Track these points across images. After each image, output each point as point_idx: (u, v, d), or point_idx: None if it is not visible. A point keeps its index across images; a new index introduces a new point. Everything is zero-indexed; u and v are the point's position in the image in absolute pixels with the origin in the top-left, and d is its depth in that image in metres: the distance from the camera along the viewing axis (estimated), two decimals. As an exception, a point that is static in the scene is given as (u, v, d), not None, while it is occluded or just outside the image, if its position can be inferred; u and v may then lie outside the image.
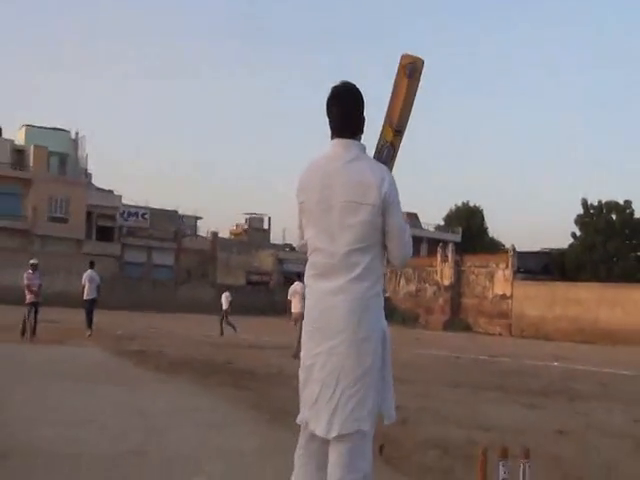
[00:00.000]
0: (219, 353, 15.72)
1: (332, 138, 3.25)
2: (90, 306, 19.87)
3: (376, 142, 3.39)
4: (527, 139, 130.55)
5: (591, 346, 34.45)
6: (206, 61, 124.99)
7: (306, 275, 3.26)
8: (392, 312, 55.06)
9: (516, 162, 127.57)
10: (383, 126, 3.36)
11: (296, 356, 15.65)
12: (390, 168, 3.36)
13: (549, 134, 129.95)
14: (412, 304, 55.44)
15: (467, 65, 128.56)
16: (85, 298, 19.98)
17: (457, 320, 50.89)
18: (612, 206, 55.75)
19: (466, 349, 24.81)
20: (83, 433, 6.33)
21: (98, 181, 64.03)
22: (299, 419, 3.19)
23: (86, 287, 20.05)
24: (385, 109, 3.38)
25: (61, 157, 61.16)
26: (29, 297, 17.82)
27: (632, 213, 55.16)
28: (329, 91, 3.28)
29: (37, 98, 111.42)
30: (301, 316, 15.48)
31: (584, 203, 56.68)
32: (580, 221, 56.57)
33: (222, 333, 24.72)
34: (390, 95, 3.26)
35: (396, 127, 3.26)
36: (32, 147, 59.18)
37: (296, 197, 3.28)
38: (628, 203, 55.39)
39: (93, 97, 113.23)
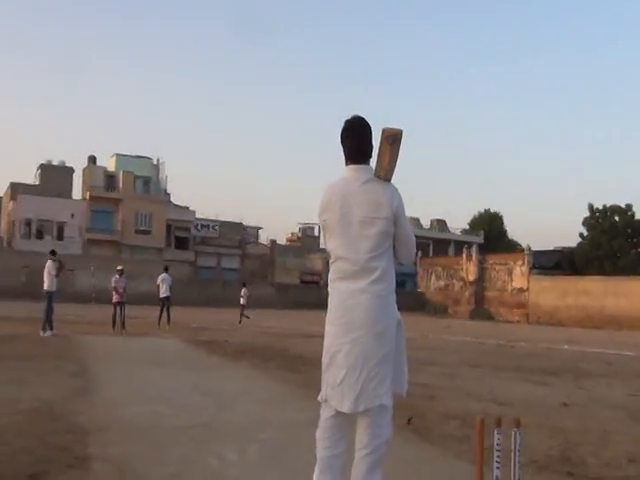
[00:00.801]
0: (276, 342, 15.79)
1: (347, 164, 3.34)
2: (164, 303, 20.33)
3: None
4: (540, 153, 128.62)
5: (598, 331, 33.80)
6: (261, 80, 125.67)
7: (330, 278, 3.32)
8: (425, 304, 54.86)
9: (531, 173, 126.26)
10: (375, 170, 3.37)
11: None
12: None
13: (560, 148, 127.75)
14: (442, 297, 55.09)
15: (483, 95, 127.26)
16: (160, 296, 20.50)
17: (481, 310, 50.39)
18: (615, 209, 54.83)
19: (488, 335, 24.50)
20: (163, 409, 6.44)
21: (176, 199, 64.88)
22: (320, 397, 3.26)
23: (161, 287, 20.59)
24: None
25: (145, 180, 62.16)
26: (115, 297, 18.13)
27: (633, 215, 54.21)
28: (343, 124, 3.36)
29: (124, 131, 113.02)
30: None
31: (590, 207, 55.86)
32: (587, 223, 55.71)
33: (247, 317, 24.93)
34: (377, 157, 3.32)
35: (384, 179, 3.33)
36: (121, 172, 60.38)
37: (318, 216, 3.35)
38: (629, 206, 54.48)
39: (171, 128, 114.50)
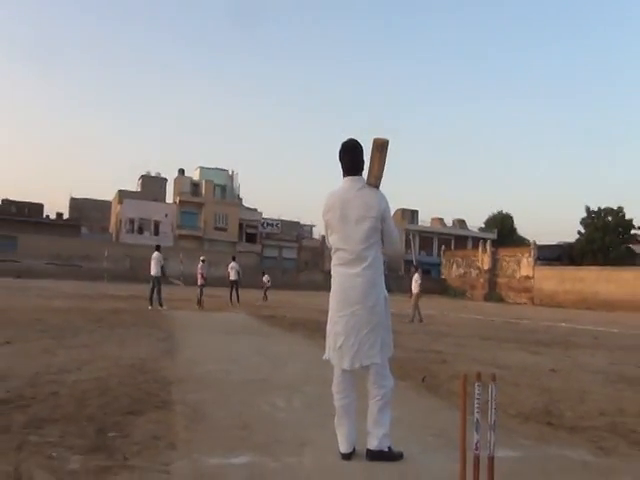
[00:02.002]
0: (323, 317, 15.78)
1: (344, 176, 3.45)
2: (233, 285, 20.78)
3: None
4: (544, 162, 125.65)
5: (592, 312, 33.00)
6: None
7: (333, 264, 3.47)
8: (447, 288, 54.25)
9: (537, 180, 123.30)
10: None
11: (412, 321, 15.92)
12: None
13: (561, 158, 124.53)
14: (461, 283, 54.40)
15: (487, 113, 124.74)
16: (230, 279, 21.07)
17: (493, 294, 49.59)
18: (608, 211, 53.25)
19: (498, 314, 24.13)
20: (230, 367, 6.56)
21: (246, 203, 65.40)
22: (324, 357, 3.47)
23: (230, 273, 21.11)
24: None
25: (222, 188, 62.82)
26: (200, 281, 18.64)
27: (623, 215, 52.57)
28: (341, 145, 3.45)
29: (207, 147, 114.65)
30: (418, 294, 16.03)
31: (587, 209, 54.42)
32: (584, 222, 54.26)
33: (266, 299, 24.44)
34: (369, 165, 3.40)
35: (374, 185, 3.44)
36: (204, 182, 61.19)
37: (323, 216, 3.48)
38: (620, 208, 52.85)
39: (243, 145, 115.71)
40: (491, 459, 2.54)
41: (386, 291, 3.43)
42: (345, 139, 3.48)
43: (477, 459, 2.53)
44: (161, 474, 2.94)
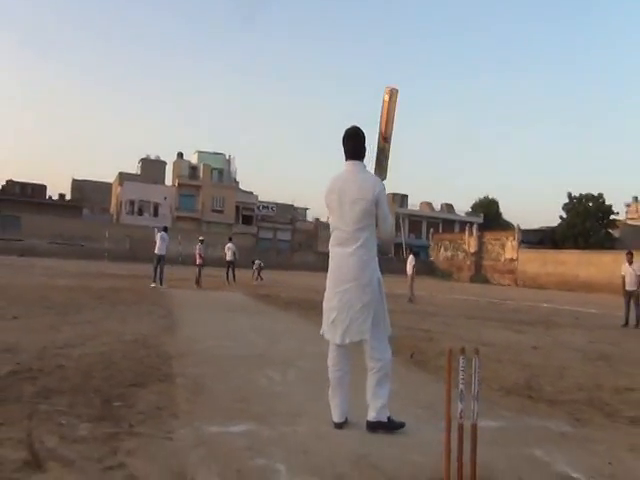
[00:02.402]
0: (317, 296, 15.81)
1: (346, 159, 3.50)
2: (229, 265, 20.79)
3: (375, 153, 3.62)
4: (529, 150, 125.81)
5: (572, 293, 33.22)
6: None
7: (330, 244, 3.53)
8: (434, 270, 54.42)
9: (522, 167, 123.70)
10: (377, 139, 3.58)
11: (411, 301, 16.05)
12: (385, 168, 3.65)
13: (545, 147, 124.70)
14: (448, 265, 54.54)
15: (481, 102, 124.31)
16: (226, 260, 21.03)
17: (479, 276, 49.75)
18: (589, 197, 53.16)
19: (483, 295, 24.29)
20: (228, 343, 6.63)
21: (243, 186, 65.10)
22: (320, 331, 3.55)
23: (227, 253, 21.06)
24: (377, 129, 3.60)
25: (219, 171, 62.48)
26: (198, 261, 18.69)
27: (603, 202, 52.49)
28: (344, 131, 3.51)
29: (204, 132, 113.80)
30: (413, 276, 16.06)
31: (569, 195, 54.24)
32: (566, 208, 54.27)
33: (262, 279, 24.13)
34: (380, 116, 3.48)
35: (385, 136, 3.49)
36: (202, 165, 60.86)
37: (324, 198, 3.54)
38: (600, 195, 52.72)
39: (240, 129, 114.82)
40: (474, 427, 2.62)
41: (380, 273, 3.48)
42: (349, 126, 3.53)
43: (461, 426, 2.61)
44: (165, 440, 3.01)
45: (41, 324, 7.12)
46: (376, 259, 3.47)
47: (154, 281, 16.19)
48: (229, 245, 21.27)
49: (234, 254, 21.02)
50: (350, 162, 3.49)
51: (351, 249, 3.39)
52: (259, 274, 25.00)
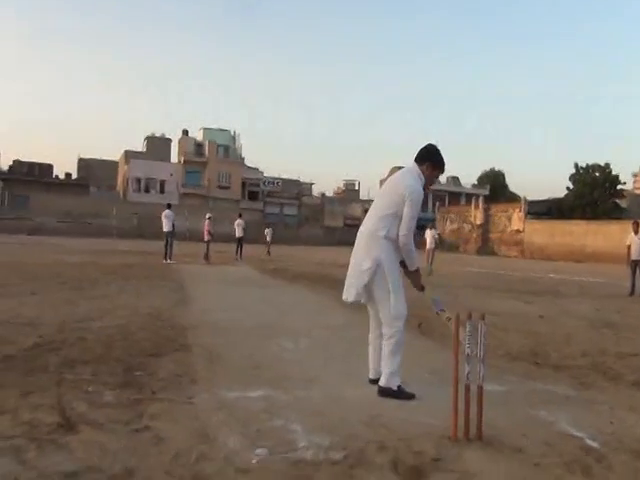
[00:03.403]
0: (324, 270, 15.98)
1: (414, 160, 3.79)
2: (239, 241, 21.01)
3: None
4: (536, 120, 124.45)
5: (579, 264, 33.17)
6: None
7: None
8: (441, 243, 54.40)
9: (529, 138, 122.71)
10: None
11: (431, 274, 16.02)
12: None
13: (552, 117, 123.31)
14: (455, 237, 54.47)
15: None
16: (236, 236, 21.25)
17: (486, 248, 49.71)
18: (596, 167, 52.79)
19: (490, 267, 24.26)
20: (239, 315, 6.77)
21: (248, 162, 64.91)
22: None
23: (236, 229, 21.28)
24: None
25: (225, 147, 62.21)
26: (206, 237, 18.87)
27: (610, 171, 52.11)
28: (426, 144, 3.83)
29: (208, 109, 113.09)
30: (432, 251, 15.84)
31: (576, 165, 53.86)
32: (573, 178, 53.91)
33: (269, 254, 24.73)
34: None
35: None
36: (207, 142, 60.64)
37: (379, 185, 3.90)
38: (607, 165, 52.33)
39: (245, 106, 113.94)
40: (480, 388, 2.75)
41: (384, 254, 3.60)
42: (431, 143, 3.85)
43: (468, 387, 2.74)
44: (187, 405, 3.17)
45: (59, 299, 7.30)
46: (381, 247, 3.59)
47: (165, 258, 16.43)
48: (239, 221, 21.46)
49: (244, 230, 21.22)
50: (412, 163, 3.77)
51: (362, 229, 3.73)
52: (268, 248, 25.32)
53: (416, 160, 3.74)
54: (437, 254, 18.65)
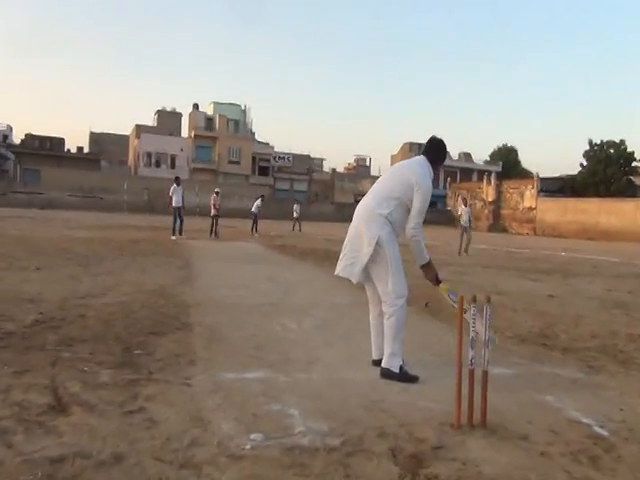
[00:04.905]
0: (333, 247, 15.78)
1: (421, 153, 3.73)
2: (254, 219, 21.77)
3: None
4: (549, 96, 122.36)
5: (592, 242, 32.77)
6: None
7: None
8: (452, 220, 54.05)
9: (542, 114, 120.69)
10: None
11: (466, 252, 15.68)
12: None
13: (565, 93, 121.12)
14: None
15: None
16: (252, 211, 22.17)
17: (497, 225, 49.40)
18: (610, 144, 51.84)
19: (501, 244, 23.96)
20: (243, 292, 6.71)
21: (259, 137, 64.56)
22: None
23: (253, 207, 22.18)
24: None
25: (235, 122, 61.85)
26: (213, 211, 18.85)
27: (625, 148, 51.21)
28: (431, 137, 3.75)
29: (220, 83, 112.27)
30: (466, 229, 15.51)
31: (590, 142, 52.93)
32: (586, 155, 53.09)
33: (300, 229, 25.30)
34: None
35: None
36: (217, 116, 60.19)
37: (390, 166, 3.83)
38: (622, 141, 51.36)
39: (256, 80, 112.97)
40: (485, 373, 2.64)
41: (383, 232, 3.49)
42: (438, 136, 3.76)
43: (472, 373, 2.63)
44: (183, 386, 3.10)
45: (63, 275, 7.26)
46: (379, 225, 3.50)
47: (173, 234, 16.39)
48: (258, 202, 22.43)
49: (258, 208, 22.04)
50: (422, 155, 3.69)
51: (369, 206, 3.58)
52: (299, 223, 25.47)
53: (425, 154, 3.65)
54: (436, 230, 18.14)
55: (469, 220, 16.29)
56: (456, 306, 3.39)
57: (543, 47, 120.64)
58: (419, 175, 3.49)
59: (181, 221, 16.65)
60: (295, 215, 26.84)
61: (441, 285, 3.52)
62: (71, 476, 2.04)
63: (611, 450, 2.53)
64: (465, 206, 16.75)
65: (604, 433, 2.73)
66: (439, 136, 3.73)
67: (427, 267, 3.56)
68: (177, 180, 17.36)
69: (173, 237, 16.11)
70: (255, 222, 21.69)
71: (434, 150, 3.68)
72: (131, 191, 43.69)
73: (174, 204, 16.78)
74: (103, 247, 11.78)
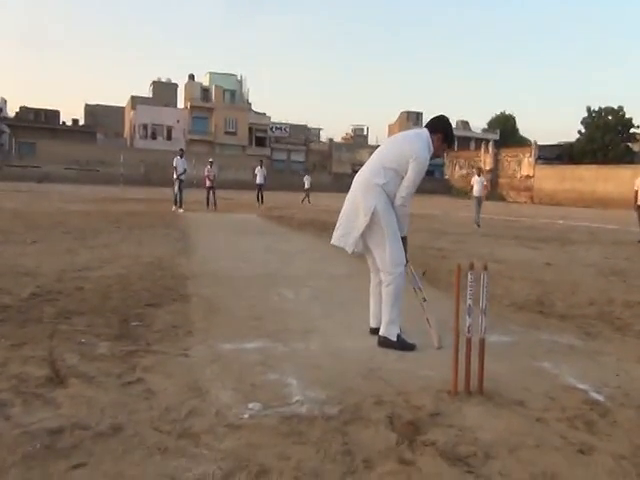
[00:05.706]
0: (331, 217, 15.67)
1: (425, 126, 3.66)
2: (259, 188, 21.27)
3: None
4: (547, 63, 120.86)
5: (589, 210, 32.79)
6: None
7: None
8: (450, 188, 53.93)
9: (540, 81, 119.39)
10: None
11: (479, 225, 14.57)
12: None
13: (563, 59, 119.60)
14: (464, 183, 53.53)
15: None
16: (256, 183, 21.65)
17: (495, 193, 49.08)
18: (609, 110, 51.21)
19: (499, 213, 23.90)
20: (242, 264, 6.71)
21: (255, 107, 63.75)
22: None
23: (257, 176, 21.54)
24: None
25: (231, 92, 60.99)
26: (207, 183, 18.68)
27: (624, 115, 50.71)
28: (437, 115, 3.71)
29: (219, 53, 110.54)
30: (480, 199, 14.73)
31: (588, 109, 52.25)
32: (585, 122, 52.54)
33: (309, 202, 24.87)
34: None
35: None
36: (213, 87, 59.41)
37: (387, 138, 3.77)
38: (621, 108, 50.76)
39: (251, 49, 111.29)
40: (482, 341, 2.64)
41: (380, 203, 3.46)
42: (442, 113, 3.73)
43: (469, 341, 2.63)
44: (181, 357, 3.10)
45: (60, 248, 7.23)
46: (376, 195, 3.47)
47: (175, 205, 16.36)
48: (259, 169, 21.66)
49: (264, 177, 21.38)
50: (425, 128, 3.62)
51: (366, 176, 3.55)
52: (308, 196, 25.17)
53: (428, 127, 3.59)
54: (434, 200, 17.78)
55: (480, 190, 15.35)
56: (417, 290, 3.54)
57: (540, 12, 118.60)
58: (417, 147, 3.46)
59: (180, 191, 16.56)
60: (307, 186, 26.13)
61: (409, 264, 3.60)
62: (70, 447, 2.04)
63: (607, 415, 2.54)
64: (479, 176, 16.11)
65: (600, 398, 2.74)
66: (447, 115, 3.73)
67: (403, 240, 3.58)
68: (181, 152, 17.29)
69: (175, 209, 16.05)
70: (260, 193, 21.00)
71: (446, 127, 3.64)
72: (127, 164, 43.33)
73: (176, 176, 16.69)
74: (100, 220, 11.74)
